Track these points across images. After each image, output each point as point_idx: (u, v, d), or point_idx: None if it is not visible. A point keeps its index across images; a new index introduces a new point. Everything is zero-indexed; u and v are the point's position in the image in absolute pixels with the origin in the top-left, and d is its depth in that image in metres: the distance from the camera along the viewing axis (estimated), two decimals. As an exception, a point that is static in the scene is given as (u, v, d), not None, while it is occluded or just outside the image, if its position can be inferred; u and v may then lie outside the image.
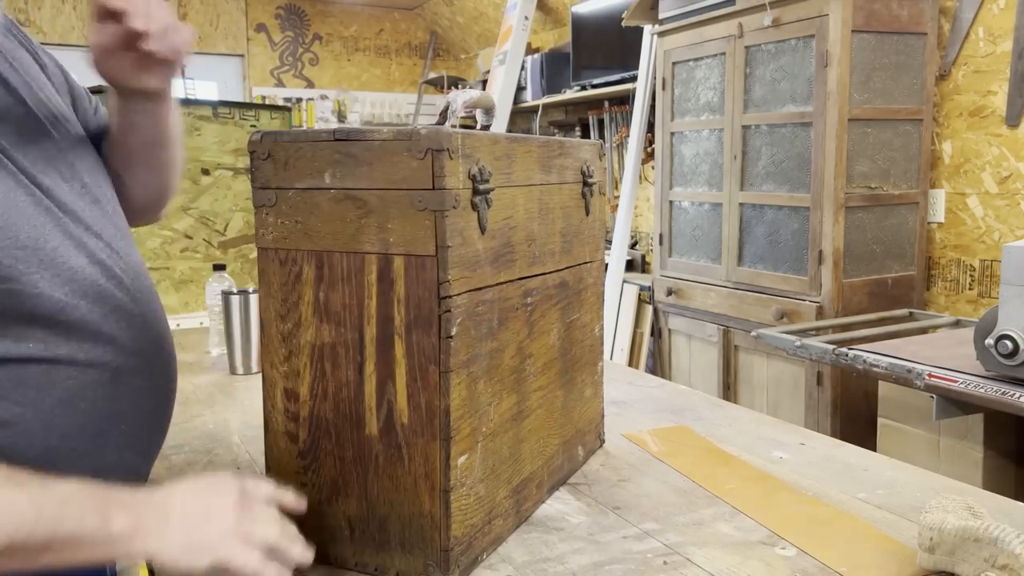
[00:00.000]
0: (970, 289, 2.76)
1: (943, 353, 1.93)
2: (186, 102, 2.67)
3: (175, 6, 6.16)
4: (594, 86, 4.46)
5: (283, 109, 2.82)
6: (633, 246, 4.43)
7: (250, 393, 1.49)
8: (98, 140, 1.00)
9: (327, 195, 0.80)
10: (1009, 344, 1.65)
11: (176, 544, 0.71)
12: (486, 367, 0.84)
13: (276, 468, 0.86)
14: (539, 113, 5.01)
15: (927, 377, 1.81)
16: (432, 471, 0.78)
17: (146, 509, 0.73)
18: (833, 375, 2.63)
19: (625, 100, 4.33)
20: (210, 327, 1.80)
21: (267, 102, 6.10)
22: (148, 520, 0.72)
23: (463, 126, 0.90)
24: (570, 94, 4.65)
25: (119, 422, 0.85)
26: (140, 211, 1.08)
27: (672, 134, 3.36)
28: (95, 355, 0.82)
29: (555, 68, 4.87)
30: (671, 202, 3.41)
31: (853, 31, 2.57)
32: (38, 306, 0.78)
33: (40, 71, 0.94)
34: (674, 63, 3.31)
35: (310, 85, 6.60)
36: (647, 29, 3.89)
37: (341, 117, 6.58)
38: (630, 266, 4.25)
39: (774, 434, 1.25)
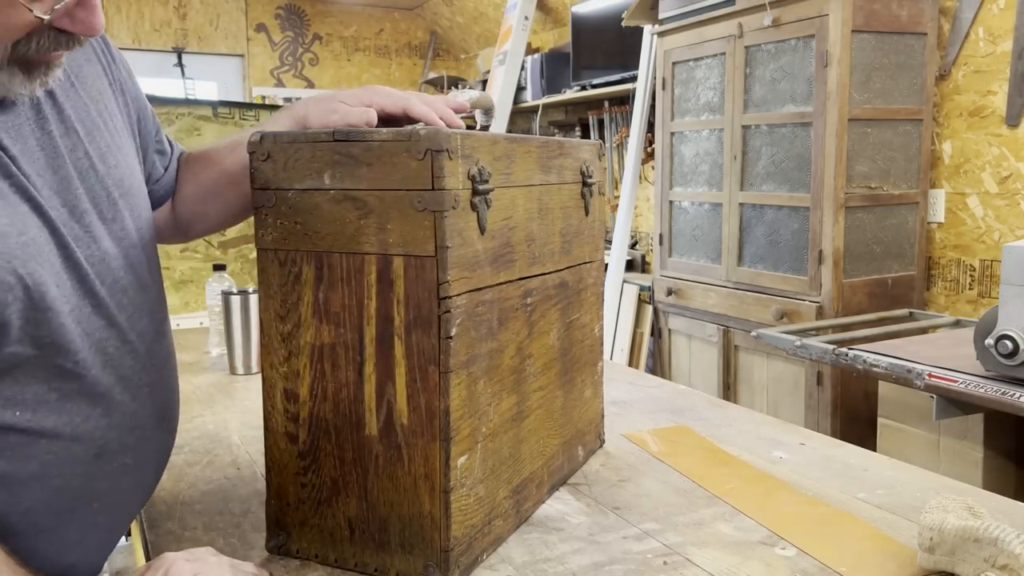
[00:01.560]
0: (970, 289, 2.76)
1: (943, 353, 1.93)
2: (186, 102, 2.67)
3: (175, 6, 6.17)
4: (594, 86, 4.46)
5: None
6: (633, 246, 4.43)
7: (250, 393, 1.49)
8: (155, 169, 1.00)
9: (327, 196, 0.80)
10: (1009, 344, 1.65)
11: None
12: (486, 367, 0.84)
13: (276, 468, 0.86)
14: (539, 113, 5.01)
15: (927, 377, 1.81)
16: (432, 471, 0.78)
17: None
18: (833, 375, 2.63)
19: (625, 100, 4.33)
20: (210, 327, 1.80)
21: (267, 102, 6.10)
22: None
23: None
24: (570, 94, 4.65)
25: (92, 500, 0.79)
26: (186, 232, 1.07)
27: (672, 134, 3.36)
28: (84, 429, 0.76)
29: (555, 68, 4.87)
30: (671, 202, 3.41)
31: (853, 31, 2.57)
32: (61, 361, 0.73)
33: (108, 87, 0.90)
34: (674, 63, 3.31)
35: (310, 85, 6.60)
36: (647, 29, 3.89)
37: (341, 117, 6.57)
38: (630, 266, 4.25)
39: (774, 434, 1.25)
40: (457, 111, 0.93)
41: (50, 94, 0.79)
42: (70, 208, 0.77)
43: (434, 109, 0.90)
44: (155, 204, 1.00)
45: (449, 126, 0.88)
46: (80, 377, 0.75)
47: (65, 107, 0.80)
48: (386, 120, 0.90)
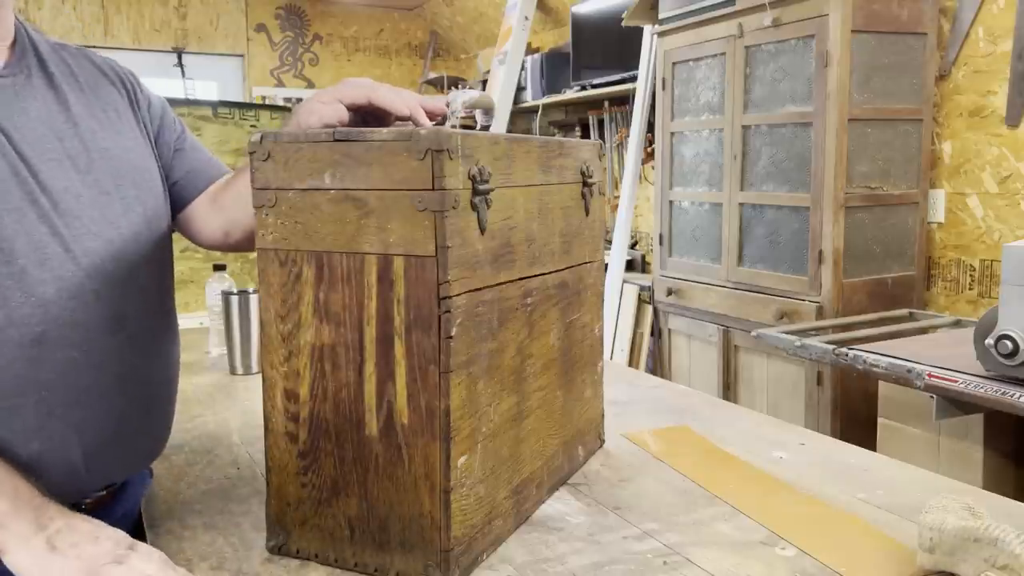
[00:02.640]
0: (970, 289, 2.76)
1: (943, 353, 1.93)
2: (186, 102, 2.67)
3: (175, 6, 6.17)
4: (594, 86, 4.46)
5: (283, 109, 2.82)
6: (633, 246, 4.43)
7: (250, 393, 1.49)
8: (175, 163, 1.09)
9: (327, 196, 0.80)
10: (1009, 344, 1.65)
11: (30, 555, 0.73)
12: (486, 367, 0.84)
13: (276, 468, 0.86)
14: (539, 113, 5.01)
15: (927, 377, 1.81)
16: (432, 471, 0.78)
17: (27, 509, 0.75)
18: (833, 375, 2.63)
19: (625, 100, 4.33)
20: (210, 327, 1.80)
21: (267, 102, 6.10)
22: (23, 516, 0.74)
23: (463, 126, 0.90)
24: (570, 94, 4.64)
25: (40, 388, 0.85)
26: (227, 234, 1.13)
27: (672, 134, 3.36)
28: (18, 315, 0.83)
29: (555, 68, 4.86)
30: (671, 202, 3.41)
31: (853, 31, 2.57)
32: None
33: (128, 108, 1.02)
34: (674, 63, 3.31)
35: (310, 85, 6.60)
36: (647, 29, 3.89)
37: (341, 117, 6.57)
38: (630, 266, 4.25)
39: (774, 434, 1.25)
40: (433, 114, 0.94)
41: (52, 85, 0.93)
42: (31, 145, 0.87)
43: (404, 103, 0.92)
44: (181, 202, 1.11)
45: (416, 122, 0.91)
46: (10, 264, 0.83)
47: (69, 97, 0.94)
48: (357, 111, 0.93)
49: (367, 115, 0.93)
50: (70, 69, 0.97)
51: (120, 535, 0.79)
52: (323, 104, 0.93)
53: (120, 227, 0.94)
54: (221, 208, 1.10)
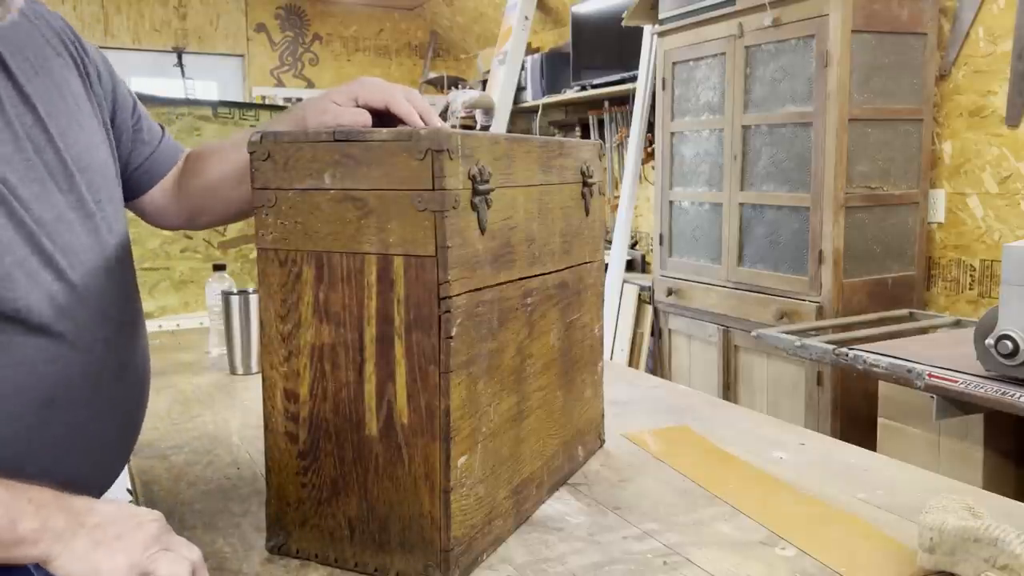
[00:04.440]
0: (970, 289, 2.76)
1: (943, 353, 1.93)
2: (186, 102, 2.67)
3: (175, 6, 6.17)
4: (594, 86, 4.46)
5: (283, 109, 2.82)
6: (633, 246, 4.43)
7: (250, 393, 1.49)
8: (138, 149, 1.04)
9: (327, 196, 0.80)
10: (1009, 344, 1.65)
11: (76, 557, 0.69)
12: (486, 367, 0.84)
13: (276, 468, 0.86)
14: (539, 113, 5.01)
15: (927, 377, 1.81)
16: (432, 471, 0.78)
17: (58, 514, 0.70)
18: (833, 375, 2.63)
19: (625, 100, 4.33)
20: (210, 327, 1.80)
21: (267, 102, 6.10)
22: (57, 523, 0.69)
23: (463, 126, 0.90)
24: (570, 94, 4.64)
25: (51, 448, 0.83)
26: (191, 222, 1.11)
27: (672, 134, 3.36)
28: (36, 376, 0.80)
29: (555, 68, 4.86)
30: (671, 202, 3.41)
31: (853, 31, 2.57)
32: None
33: (77, 78, 0.95)
34: (674, 63, 3.31)
35: (310, 85, 6.60)
36: (647, 29, 3.89)
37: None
38: (630, 266, 4.25)
39: (774, 434, 1.25)
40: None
41: (10, 77, 0.85)
42: (20, 175, 0.81)
43: (417, 107, 0.91)
44: (140, 189, 1.07)
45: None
46: (26, 324, 0.80)
47: (26, 88, 0.86)
48: (375, 114, 0.92)
49: (377, 116, 0.92)
50: (9, 36, 0.86)
51: (155, 514, 0.76)
52: (338, 105, 0.91)
53: (107, 251, 0.91)
54: (187, 195, 1.08)
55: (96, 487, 0.92)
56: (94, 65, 0.99)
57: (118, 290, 0.92)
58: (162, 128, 1.10)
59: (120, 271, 0.93)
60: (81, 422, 0.86)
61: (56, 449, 0.84)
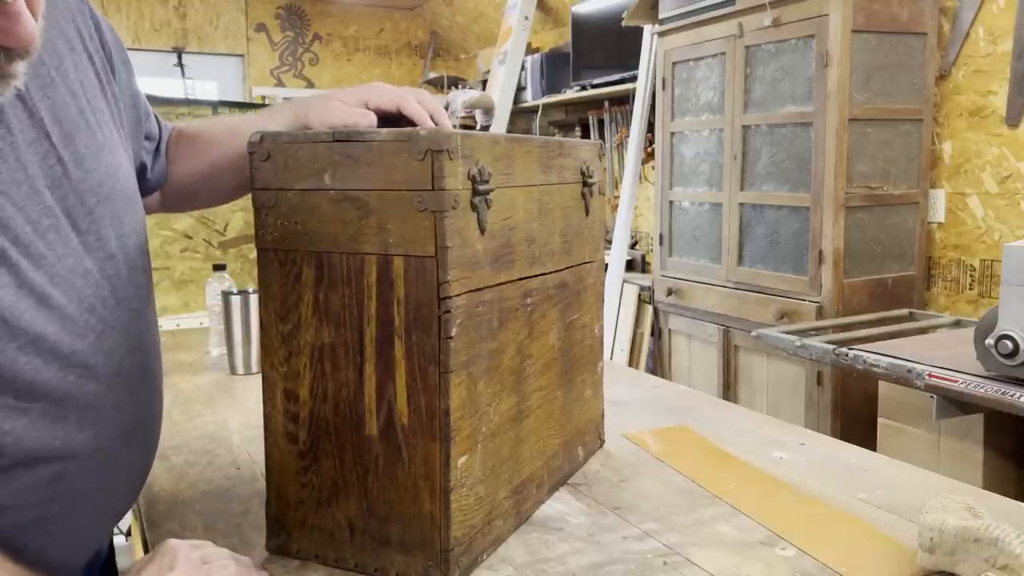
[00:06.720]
0: (970, 289, 2.76)
1: (943, 353, 1.93)
2: (186, 102, 2.67)
3: (175, 6, 6.17)
4: (594, 86, 4.46)
5: (283, 109, 2.81)
6: (633, 246, 4.43)
7: (250, 393, 1.49)
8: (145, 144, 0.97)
9: (327, 196, 0.80)
10: (1009, 344, 1.65)
11: None
12: (486, 368, 0.84)
13: (276, 468, 0.86)
14: (539, 113, 5.01)
15: (927, 377, 1.81)
16: (432, 472, 0.78)
17: None
18: (833, 375, 2.63)
19: (625, 100, 4.33)
20: (210, 327, 1.80)
21: (267, 102, 6.11)
22: None
23: (463, 126, 0.90)
24: (570, 94, 4.64)
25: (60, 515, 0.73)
26: (173, 208, 1.07)
27: (672, 134, 3.36)
28: (47, 453, 0.69)
29: (555, 68, 4.87)
30: (671, 202, 3.41)
31: (853, 31, 2.57)
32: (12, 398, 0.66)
33: (95, 77, 0.83)
34: (674, 63, 3.31)
35: (310, 85, 6.60)
36: (647, 29, 3.89)
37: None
38: (630, 266, 4.25)
39: (774, 434, 1.25)
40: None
41: (21, 98, 0.71)
42: (34, 224, 0.70)
43: (428, 108, 0.91)
44: (145, 193, 0.96)
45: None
46: (43, 406, 0.69)
47: (39, 109, 0.73)
48: (383, 117, 0.92)
49: (386, 121, 0.90)
50: None
51: (173, 553, 0.72)
52: (346, 105, 0.90)
53: (124, 297, 0.79)
54: (172, 182, 1.03)
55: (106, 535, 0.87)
56: (113, 54, 0.88)
57: (133, 342, 0.81)
58: (158, 122, 1.02)
59: (136, 318, 0.81)
60: (83, 490, 0.75)
61: (60, 521, 0.74)
